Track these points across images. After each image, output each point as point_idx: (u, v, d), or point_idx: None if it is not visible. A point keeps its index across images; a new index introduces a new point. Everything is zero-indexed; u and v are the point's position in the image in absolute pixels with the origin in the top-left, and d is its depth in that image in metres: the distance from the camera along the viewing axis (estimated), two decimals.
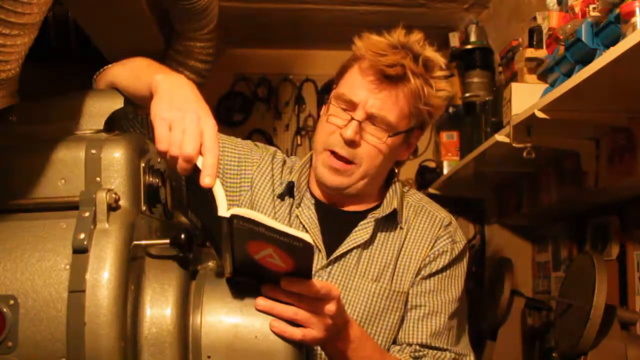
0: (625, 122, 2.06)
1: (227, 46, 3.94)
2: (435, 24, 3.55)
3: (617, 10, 1.61)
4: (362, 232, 1.57)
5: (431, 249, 1.57)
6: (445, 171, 3.53)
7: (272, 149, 1.69)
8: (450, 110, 3.53)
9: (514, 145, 2.24)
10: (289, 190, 1.61)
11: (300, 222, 1.58)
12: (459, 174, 3.20)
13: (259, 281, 1.19)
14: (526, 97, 2.21)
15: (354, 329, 1.35)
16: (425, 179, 3.81)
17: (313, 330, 1.20)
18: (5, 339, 1.02)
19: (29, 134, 1.22)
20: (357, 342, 1.35)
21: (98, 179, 1.13)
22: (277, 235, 1.10)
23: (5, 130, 1.24)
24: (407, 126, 1.56)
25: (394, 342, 1.55)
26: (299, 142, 4.12)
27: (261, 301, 1.17)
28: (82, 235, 1.04)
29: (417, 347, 1.52)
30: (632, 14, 1.52)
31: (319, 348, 1.36)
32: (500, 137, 2.39)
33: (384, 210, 1.59)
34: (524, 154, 2.24)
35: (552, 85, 2.06)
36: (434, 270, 1.56)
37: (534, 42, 2.28)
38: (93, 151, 1.14)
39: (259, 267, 1.16)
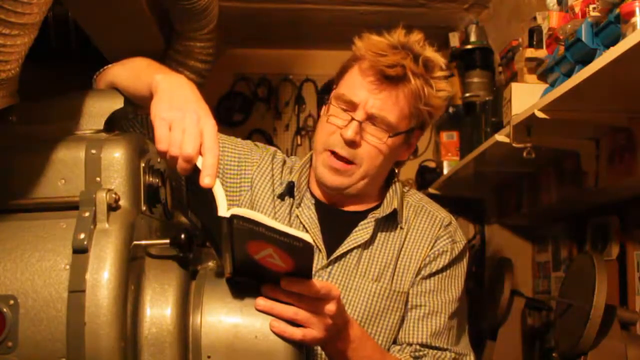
0: (625, 122, 2.06)
1: (227, 46, 3.94)
2: (435, 24, 3.55)
3: (617, 10, 1.60)
4: (362, 232, 1.57)
5: (431, 248, 1.57)
6: (445, 171, 3.53)
7: (272, 149, 1.69)
8: (450, 110, 3.53)
9: (514, 145, 2.24)
10: (289, 190, 1.61)
11: (301, 222, 1.58)
12: (459, 174, 3.20)
13: (259, 281, 1.19)
14: (526, 97, 2.21)
15: (354, 328, 1.35)
16: (425, 179, 3.81)
17: (313, 330, 1.20)
18: (5, 339, 1.02)
19: (29, 134, 1.22)
20: (357, 342, 1.35)
21: (98, 179, 1.13)
22: (277, 235, 1.10)
23: (5, 130, 1.24)
24: (407, 126, 1.56)
25: (394, 342, 1.55)
26: (299, 142, 4.12)
27: (261, 301, 1.17)
28: (82, 235, 1.04)
29: (418, 347, 1.52)
30: (632, 14, 1.52)
31: (319, 348, 1.36)
32: (500, 137, 2.39)
33: (384, 210, 1.59)
34: (524, 154, 2.24)
35: (552, 85, 2.06)
36: (434, 270, 1.56)
37: (534, 42, 2.28)
38: (93, 151, 1.14)
39: (259, 267, 1.16)
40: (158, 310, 1.11)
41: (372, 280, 1.54)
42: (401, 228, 1.59)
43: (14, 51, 1.10)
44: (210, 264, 1.26)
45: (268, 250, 1.13)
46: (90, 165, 1.13)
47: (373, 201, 1.62)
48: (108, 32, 2.51)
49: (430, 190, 3.61)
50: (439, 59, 1.57)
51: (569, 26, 1.86)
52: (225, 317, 1.16)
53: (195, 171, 1.15)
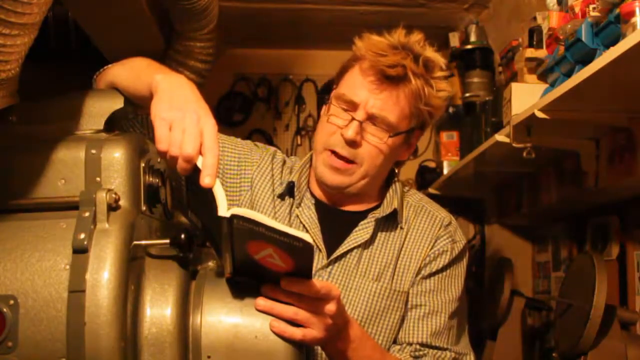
0: (625, 122, 2.06)
1: (227, 46, 3.94)
2: (435, 24, 3.55)
3: (617, 10, 1.60)
4: (362, 231, 1.57)
5: (431, 248, 1.58)
6: (445, 171, 3.53)
7: (272, 149, 1.69)
8: (450, 110, 3.53)
9: (514, 145, 2.24)
10: (289, 190, 1.61)
11: (301, 222, 1.58)
12: (459, 174, 3.20)
13: (259, 281, 1.19)
14: (526, 97, 2.21)
15: (354, 328, 1.35)
16: (425, 179, 3.80)
17: (313, 330, 1.20)
18: (5, 339, 1.02)
19: (29, 134, 1.22)
20: (357, 342, 1.35)
21: (98, 179, 1.13)
22: (277, 235, 1.10)
23: (5, 130, 1.24)
24: (407, 126, 1.56)
25: (395, 342, 1.55)
26: (299, 142, 4.12)
27: (261, 301, 1.17)
28: (82, 235, 1.04)
29: (418, 347, 1.52)
30: (632, 14, 1.52)
31: (319, 348, 1.36)
32: (500, 137, 2.39)
33: (384, 210, 1.59)
34: (524, 154, 2.24)
35: (552, 85, 2.06)
36: (434, 270, 1.56)
37: (534, 42, 2.28)
38: (93, 151, 1.14)
39: (259, 267, 1.16)
40: (158, 310, 1.11)
41: (372, 280, 1.54)
42: (401, 228, 1.59)
43: (14, 51, 1.10)
44: (210, 264, 1.26)
45: (268, 250, 1.13)
46: (90, 165, 1.13)
47: (373, 201, 1.63)
48: (108, 32, 2.51)
49: (430, 190, 3.60)
50: (439, 59, 1.57)
51: (569, 26, 1.86)
52: (225, 317, 1.16)
53: (196, 171, 1.15)
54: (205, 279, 1.21)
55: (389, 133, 1.53)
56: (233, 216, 1.09)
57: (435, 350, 1.53)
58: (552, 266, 3.17)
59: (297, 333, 1.17)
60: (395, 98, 1.52)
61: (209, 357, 1.14)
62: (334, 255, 1.55)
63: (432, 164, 3.89)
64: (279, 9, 3.52)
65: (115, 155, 1.14)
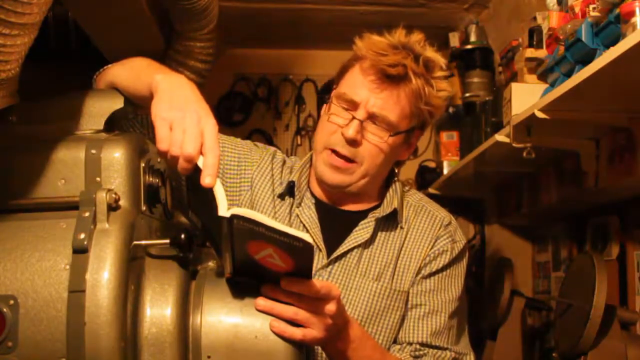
0: (625, 122, 2.06)
1: (227, 46, 3.94)
2: (435, 24, 3.55)
3: (617, 10, 1.60)
4: (362, 231, 1.57)
5: (431, 248, 1.58)
6: (445, 171, 3.53)
7: (272, 148, 1.69)
8: (450, 110, 3.53)
9: (514, 145, 2.24)
10: (290, 190, 1.61)
11: (301, 222, 1.58)
12: (459, 174, 3.20)
13: (259, 281, 1.19)
14: (526, 97, 2.21)
15: (354, 328, 1.35)
16: (425, 179, 3.81)
17: (313, 330, 1.20)
18: (5, 339, 1.02)
19: (29, 134, 1.22)
20: (357, 342, 1.35)
21: (98, 179, 1.13)
22: (277, 235, 1.10)
23: (5, 130, 1.24)
24: (408, 126, 1.56)
25: (395, 341, 1.55)
26: (299, 142, 4.12)
27: (261, 301, 1.17)
28: (82, 235, 1.04)
29: (418, 346, 1.52)
30: (632, 14, 1.52)
31: (319, 348, 1.36)
32: (500, 137, 2.39)
33: (385, 209, 1.59)
34: (524, 154, 2.24)
35: (552, 85, 2.06)
36: (434, 270, 1.57)
37: (534, 42, 2.28)
38: (93, 151, 1.14)
39: (259, 267, 1.16)
40: (158, 310, 1.11)
41: (372, 280, 1.54)
42: (401, 227, 1.59)
43: (14, 51, 1.10)
44: (210, 264, 1.26)
45: (268, 250, 1.13)
46: (90, 165, 1.14)
47: (373, 201, 1.63)
48: (108, 32, 2.51)
49: (430, 190, 3.60)
50: (439, 59, 1.57)
51: (569, 26, 1.86)
52: (225, 317, 1.16)
53: (196, 171, 1.15)
54: (205, 279, 1.21)
55: (390, 132, 1.53)
56: (233, 216, 1.10)
57: (436, 350, 1.53)
58: (552, 266, 3.17)
59: (297, 333, 1.17)
60: (395, 97, 1.52)
61: (209, 357, 1.14)
62: (334, 254, 1.55)
63: (432, 164, 3.89)
64: (279, 9, 3.52)
65: (115, 155, 1.14)
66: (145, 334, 1.10)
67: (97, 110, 1.25)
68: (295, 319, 1.18)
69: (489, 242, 3.67)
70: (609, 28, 1.67)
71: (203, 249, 1.27)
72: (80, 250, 1.04)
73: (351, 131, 1.51)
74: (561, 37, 1.92)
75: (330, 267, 1.55)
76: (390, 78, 1.51)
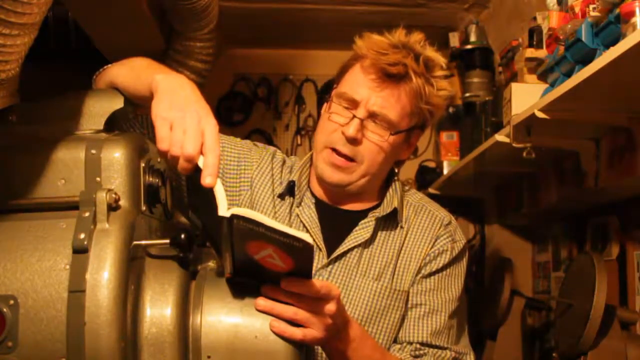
0: (625, 122, 2.06)
1: (227, 46, 3.94)
2: (435, 24, 3.55)
3: (617, 10, 1.60)
4: (362, 231, 1.57)
5: (431, 247, 1.58)
6: (445, 171, 3.53)
7: (272, 148, 1.69)
8: (450, 110, 3.53)
9: (514, 145, 2.24)
10: (290, 190, 1.61)
11: (301, 222, 1.58)
12: (459, 174, 3.20)
13: (259, 281, 1.19)
14: (526, 97, 2.21)
15: (354, 328, 1.35)
16: (425, 179, 3.80)
17: (313, 330, 1.20)
18: (5, 339, 1.02)
19: (29, 134, 1.22)
20: (357, 342, 1.35)
21: (98, 179, 1.13)
22: (277, 236, 1.10)
23: (5, 130, 1.24)
24: (408, 125, 1.56)
25: (395, 341, 1.55)
26: (299, 142, 4.11)
27: (261, 301, 1.17)
28: (82, 235, 1.04)
29: (418, 346, 1.52)
30: (632, 14, 1.52)
31: (319, 348, 1.36)
32: (500, 137, 2.38)
33: (385, 209, 1.59)
34: (524, 154, 2.24)
35: (552, 85, 2.06)
36: (434, 269, 1.57)
37: (534, 42, 2.28)
38: (93, 151, 1.14)
39: (259, 267, 1.16)
40: (158, 310, 1.11)
41: (372, 279, 1.54)
42: (401, 227, 1.59)
43: (14, 51, 1.10)
44: (210, 264, 1.26)
45: (268, 250, 1.13)
46: (90, 165, 1.14)
47: (373, 200, 1.63)
48: (108, 32, 2.51)
49: (430, 190, 3.60)
50: (439, 58, 1.57)
51: (569, 26, 1.86)
52: (225, 317, 1.16)
53: (196, 171, 1.15)
54: (205, 279, 1.21)
55: (390, 131, 1.53)
56: (233, 216, 1.09)
57: (436, 350, 1.53)
58: (552, 266, 3.17)
59: (297, 333, 1.17)
60: (396, 96, 1.52)
61: (209, 357, 1.14)
62: (335, 254, 1.55)
63: (432, 164, 3.88)
64: (279, 9, 3.51)
65: (115, 155, 1.14)
66: (145, 334, 1.10)
67: (97, 110, 1.25)
68: (295, 319, 1.18)
69: (489, 242, 3.67)
70: (609, 28, 1.67)
71: (203, 249, 1.27)
72: (80, 250, 1.04)
73: (352, 130, 1.51)
74: (561, 37, 1.92)
75: (331, 266, 1.55)
76: (390, 77, 1.51)
